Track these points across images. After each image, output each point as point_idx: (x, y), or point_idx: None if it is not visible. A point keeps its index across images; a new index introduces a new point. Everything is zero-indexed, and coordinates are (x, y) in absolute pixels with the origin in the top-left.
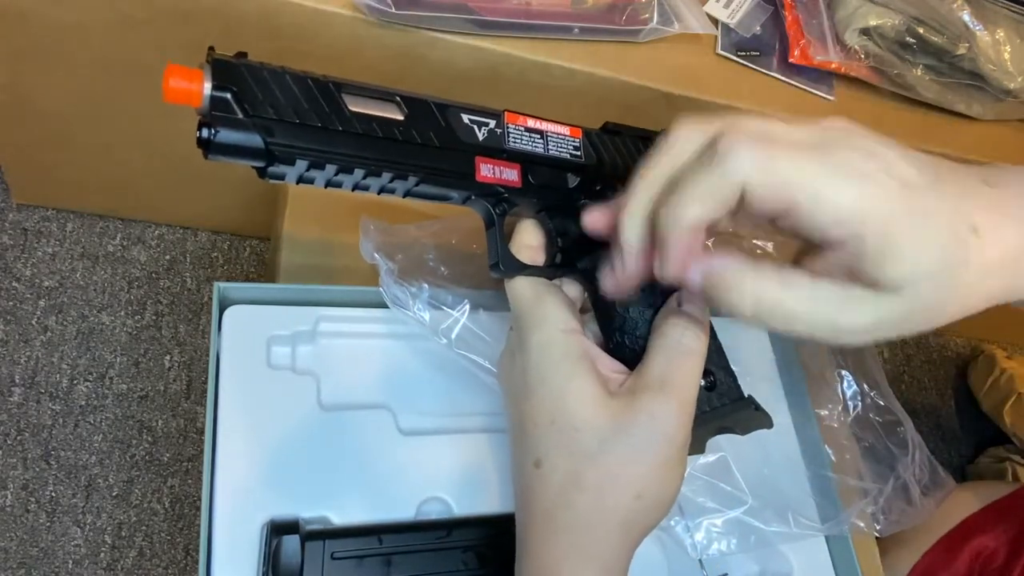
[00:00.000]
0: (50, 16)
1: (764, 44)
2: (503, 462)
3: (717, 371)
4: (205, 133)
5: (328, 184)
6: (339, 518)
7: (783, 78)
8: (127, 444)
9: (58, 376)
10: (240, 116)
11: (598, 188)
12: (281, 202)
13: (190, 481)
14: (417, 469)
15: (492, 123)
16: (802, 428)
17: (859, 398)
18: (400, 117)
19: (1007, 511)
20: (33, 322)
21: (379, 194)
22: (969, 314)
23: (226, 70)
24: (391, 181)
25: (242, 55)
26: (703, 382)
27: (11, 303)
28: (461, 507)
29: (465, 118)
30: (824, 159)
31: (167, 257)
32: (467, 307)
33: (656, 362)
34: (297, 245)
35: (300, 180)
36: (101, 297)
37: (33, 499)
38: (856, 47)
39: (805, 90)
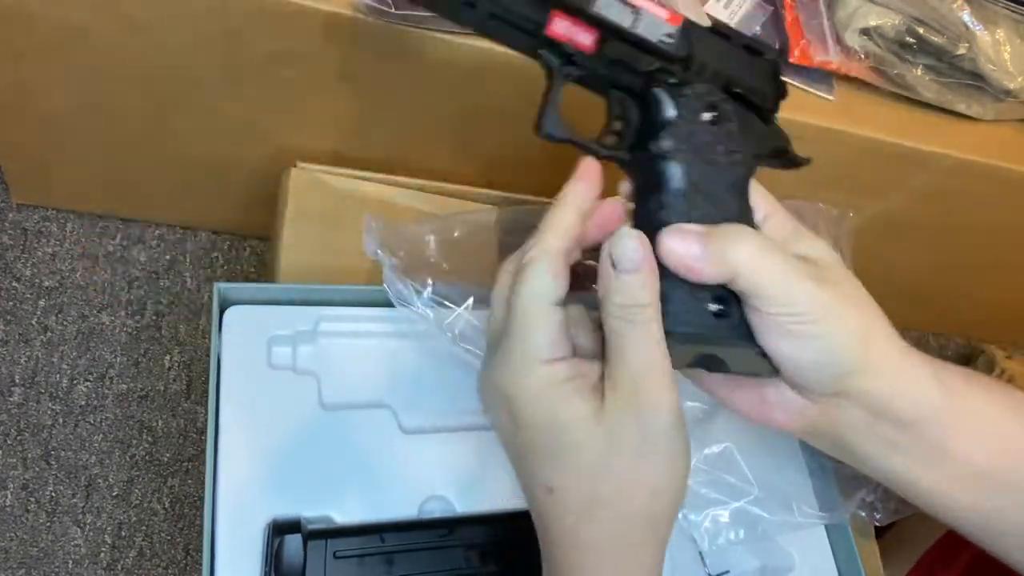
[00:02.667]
0: (52, 17)
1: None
2: (505, 459)
3: (734, 302)
4: None
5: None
6: (341, 517)
7: (783, 78)
8: (127, 444)
9: (58, 376)
10: None
11: (675, 83)
12: (281, 202)
13: (190, 481)
14: (419, 468)
15: None
16: None
17: None
18: None
19: None
20: (33, 322)
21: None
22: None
23: None
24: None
25: None
26: (712, 308)
27: (11, 303)
28: (463, 505)
29: None
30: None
31: (167, 257)
32: (471, 302)
33: (616, 361)
34: (297, 245)
35: None
36: (101, 297)
37: (33, 499)
38: (856, 47)
39: (805, 90)
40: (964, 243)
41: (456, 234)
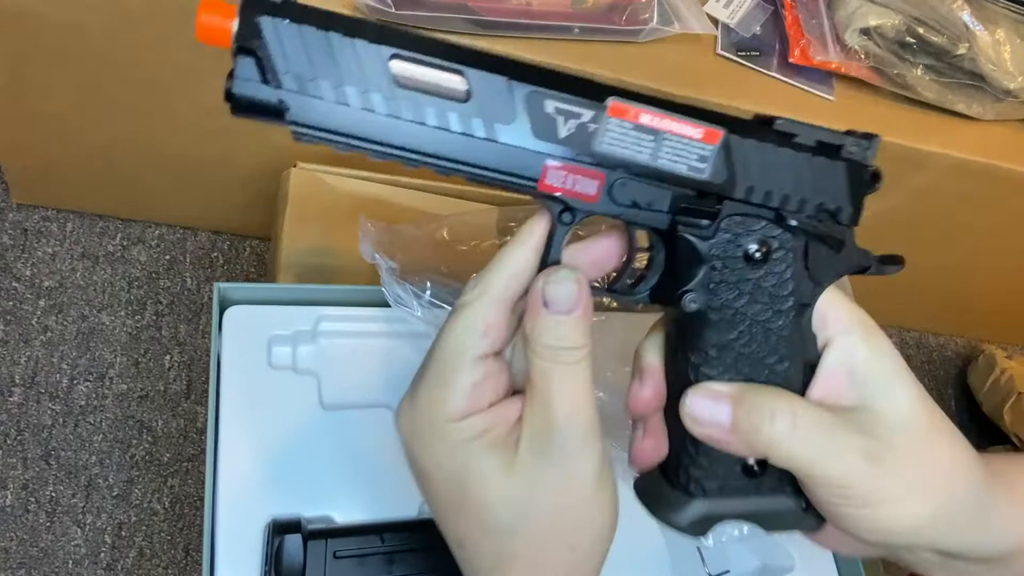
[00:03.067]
0: (51, 16)
1: (764, 44)
2: None
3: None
4: (227, 85)
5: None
6: (341, 517)
7: (783, 78)
8: (127, 444)
9: (58, 376)
10: (260, 83)
11: (707, 222)
12: (281, 202)
13: (190, 481)
14: None
15: (586, 115)
16: None
17: None
18: (462, 93)
19: None
20: (33, 322)
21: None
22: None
23: (255, 26)
24: (438, 170)
25: (283, 4)
26: (738, 467)
27: (11, 303)
28: None
29: (549, 106)
30: None
31: (167, 257)
32: None
33: (538, 405)
34: (297, 245)
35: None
36: (101, 297)
37: (33, 499)
38: (856, 47)
39: (805, 90)
40: (964, 243)
41: (455, 235)
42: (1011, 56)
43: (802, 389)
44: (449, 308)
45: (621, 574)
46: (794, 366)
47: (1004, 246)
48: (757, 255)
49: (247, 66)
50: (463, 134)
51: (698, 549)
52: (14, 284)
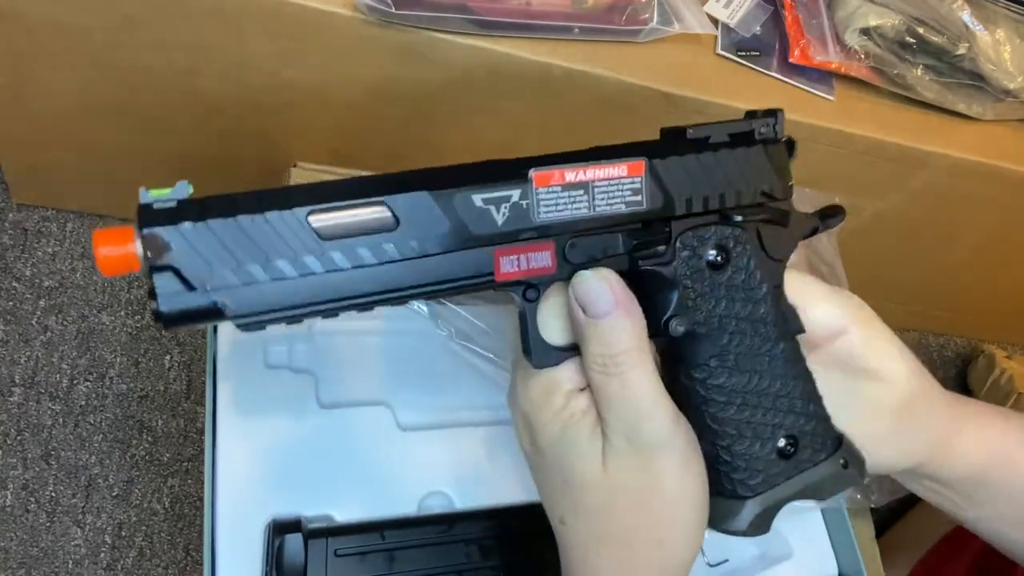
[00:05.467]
0: (50, 16)
1: (764, 44)
2: (503, 455)
3: (797, 427)
4: (155, 305)
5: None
6: (341, 515)
7: (783, 78)
8: (127, 444)
9: (58, 376)
10: (187, 292)
11: (662, 248)
12: None
13: (190, 481)
14: (417, 464)
15: (515, 194)
16: None
17: None
18: (390, 221)
19: None
20: (33, 322)
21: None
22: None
23: (158, 240)
24: (394, 303)
25: (183, 200)
26: (773, 455)
27: (11, 303)
28: (463, 501)
29: (477, 200)
30: None
31: None
32: (466, 298)
33: (606, 409)
34: None
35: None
36: (101, 297)
37: (33, 499)
38: (856, 47)
39: (805, 90)
40: (964, 243)
41: None
42: (1011, 56)
43: (801, 358)
44: (445, 302)
45: None
46: (789, 344)
47: (1004, 246)
48: (719, 259)
49: (167, 280)
50: (405, 259)
51: None
52: (14, 284)
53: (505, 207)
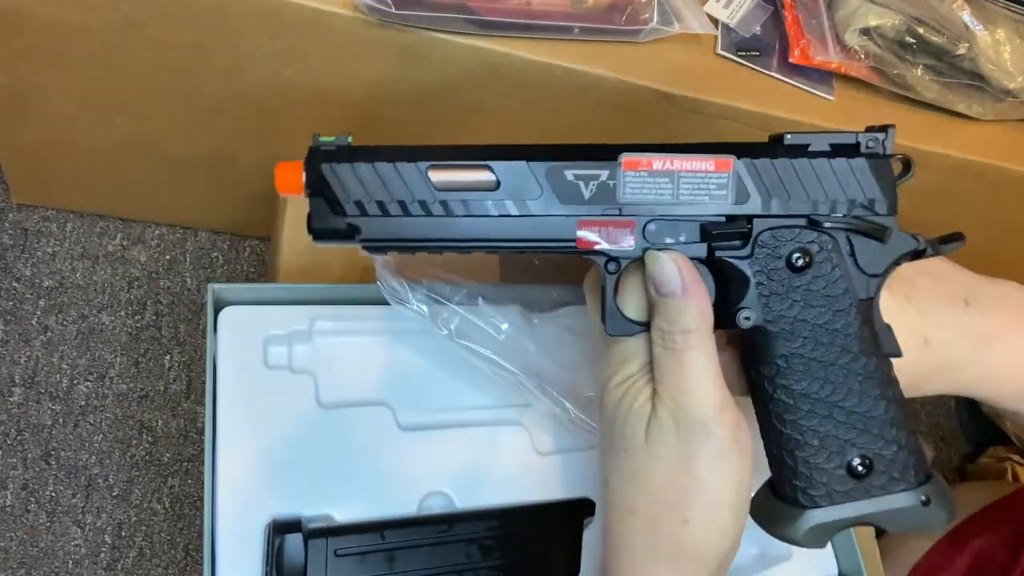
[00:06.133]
0: (50, 16)
1: (764, 44)
2: (503, 455)
3: (874, 449)
4: (308, 222)
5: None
6: (341, 515)
7: (783, 78)
8: (127, 444)
9: (58, 376)
10: (332, 215)
11: (740, 242)
12: (281, 202)
13: (190, 481)
14: (417, 464)
15: (603, 174)
16: None
17: None
18: (492, 183)
19: (1007, 511)
20: (33, 322)
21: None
22: (923, 395)
23: (317, 174)
24: (488, 251)
25: (342, 146)
26: (842, 470)
27: (11, 303)
28: (462, 501)
29: (569, 175)
30: None
31: (167, 257)
32: (466, 298)
33: (661, 382)
34: (297, 245)
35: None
36: (101, 297)
37: (33, 499)
38: (856, 47)
39: (805, 90)
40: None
41: None
42: (1011, 56)
43: (891, 382)
44: (444, 302)
45: None
46: (872, 362)
47: (1004, 246)
48: (800, 262)
49: (319, 205)
50: (501, 216)
51: None
52: (14, 284)
53: (593, 184)
